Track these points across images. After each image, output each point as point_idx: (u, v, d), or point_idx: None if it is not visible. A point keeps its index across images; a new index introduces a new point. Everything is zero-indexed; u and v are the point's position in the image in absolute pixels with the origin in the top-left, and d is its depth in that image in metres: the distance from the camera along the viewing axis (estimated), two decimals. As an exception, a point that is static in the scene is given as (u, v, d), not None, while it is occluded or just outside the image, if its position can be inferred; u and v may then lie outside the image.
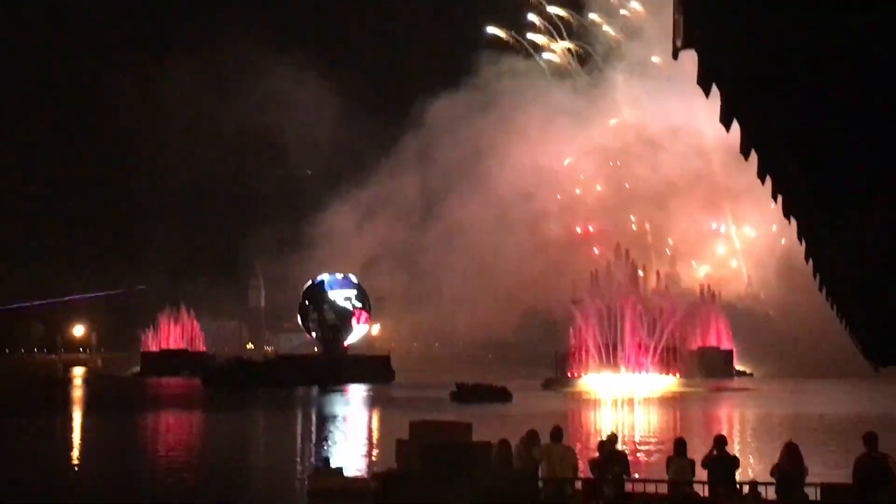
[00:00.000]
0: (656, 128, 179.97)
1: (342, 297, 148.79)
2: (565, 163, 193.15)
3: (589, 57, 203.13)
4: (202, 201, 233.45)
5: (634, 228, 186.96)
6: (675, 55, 5.18)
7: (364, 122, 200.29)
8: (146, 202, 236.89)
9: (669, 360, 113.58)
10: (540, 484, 18.46)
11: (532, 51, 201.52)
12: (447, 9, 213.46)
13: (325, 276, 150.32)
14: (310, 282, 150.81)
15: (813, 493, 17.92)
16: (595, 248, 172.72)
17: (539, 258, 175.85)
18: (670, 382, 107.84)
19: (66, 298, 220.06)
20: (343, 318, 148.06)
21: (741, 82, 5.17)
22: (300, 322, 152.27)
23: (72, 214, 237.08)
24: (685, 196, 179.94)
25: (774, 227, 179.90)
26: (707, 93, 5.29)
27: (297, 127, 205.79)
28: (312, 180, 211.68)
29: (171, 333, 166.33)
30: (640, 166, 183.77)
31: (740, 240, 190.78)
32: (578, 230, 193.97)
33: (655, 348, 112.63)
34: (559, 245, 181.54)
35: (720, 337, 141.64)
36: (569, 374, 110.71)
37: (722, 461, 18.30)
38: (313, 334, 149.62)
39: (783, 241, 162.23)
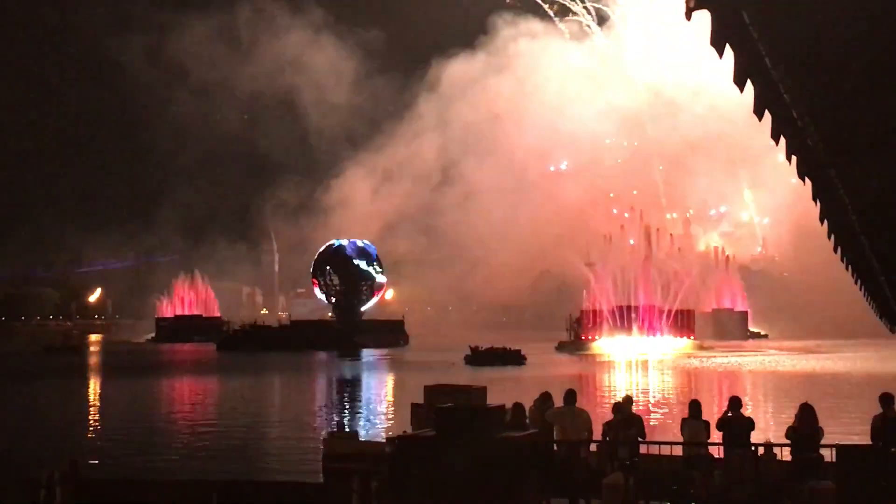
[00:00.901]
0: (675, 89, 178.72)
1: (364, 263, 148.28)
2: (583, 125, 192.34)
3: (608, 19, 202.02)
4: (218, 165, 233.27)
5: (654, 189, 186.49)
6: (687, 16, 5.12)
7: (381, 84, 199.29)
8: (163, 166, 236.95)
9: (684, 322, 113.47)
10: (555, 446, 18.48)
11: (552, 13, 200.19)
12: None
13: (344, 242, 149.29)
14: (329, 244, 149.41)
15: (828, 455, 17.88)
16: (614, 210, 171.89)
17: (555, 221, 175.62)
18: (685, 344, 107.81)
19: (82, 270, 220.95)
20: (367, 285, 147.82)
21: (753, 42, 5.10)
22: (317, 285, 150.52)
23: (88, 180, 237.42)
24: (704, 157, 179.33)
25: (787, 191, 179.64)
26: (720, 53, 5.23)
27: (314, 89, 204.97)
28: (328, 144, 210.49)
29: (186, 299, 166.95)
30: (659, 127, 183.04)
31: (756, 202, 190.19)
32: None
33: (669, 311, 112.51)
34: (576, 208, 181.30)
35: (734, 299, 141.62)
36: (583, 337, 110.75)
37: (737, 422, 18.25)
38: (332, 298, 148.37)
39: (797, 203, 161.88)
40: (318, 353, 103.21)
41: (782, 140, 6.19)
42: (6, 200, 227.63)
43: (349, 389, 62.87)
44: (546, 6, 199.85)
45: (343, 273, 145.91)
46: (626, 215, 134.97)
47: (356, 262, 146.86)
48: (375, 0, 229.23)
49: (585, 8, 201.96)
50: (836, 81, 5.42)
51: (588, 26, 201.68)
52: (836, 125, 5.84)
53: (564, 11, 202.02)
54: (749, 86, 5.30)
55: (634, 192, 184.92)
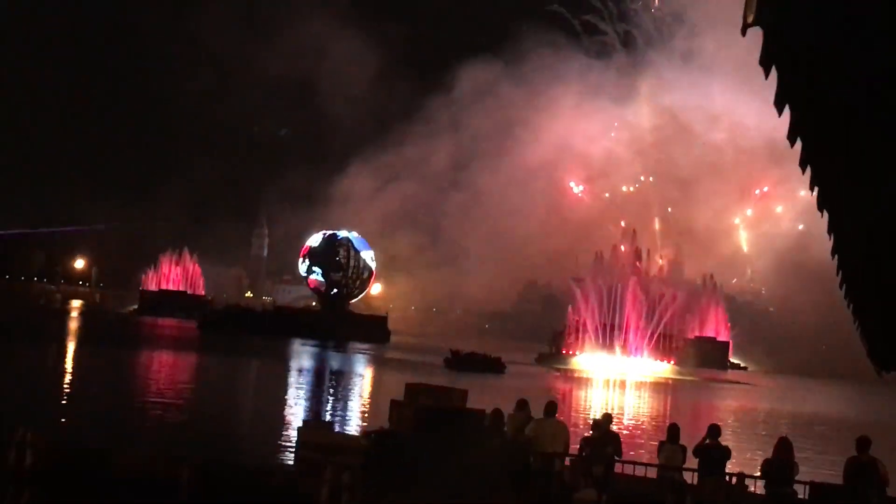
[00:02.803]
0: (693, 114, 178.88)
1: (368, 258, 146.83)
2: (594, 142, 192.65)
3: (632, 39, 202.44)
4: (227, 145, 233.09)
5: (651, 212, 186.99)
6: (743, 32, 5.09)
7: (397, 81, 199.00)
8: (168, 139, 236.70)
9: (665, 346, 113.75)
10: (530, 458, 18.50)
11: (579, 28, 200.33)
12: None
13: (347, 233, 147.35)
14: (331, 233, 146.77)
15: (802, 491, 17.90)
16: (621, 223, 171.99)
17: (555, 235, 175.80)
18: (664, 369, 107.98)
19: (70, 230, 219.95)
20: (363, 279, 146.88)
21: (802, 66, 5.07)
22: (312, 267, 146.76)
23: (87, 144, 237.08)
24: (709, 185, 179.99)
25: (782, 229, 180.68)
26: (767, 73, 5.20)
27: (331, 78, 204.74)
28: (338, 135, 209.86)
29: (172, 274, 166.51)
30: (671, 151, 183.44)
31: (749, 234, 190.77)
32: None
33: (653, 334, 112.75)
34: (579, 224, 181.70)
35: (718, 328, 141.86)
36: (564, 351, 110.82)
37: (714, 450, 18.28)
38: (333, 287, 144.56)
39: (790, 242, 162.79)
40: (299, 340, 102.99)
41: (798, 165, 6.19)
42: (13, 158, 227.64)
43: (327, 380, 62.77)
44: (575, 22, 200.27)
45: (347, 263, 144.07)
46: (623, 224, 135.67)
47: (362, 254, 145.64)
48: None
49: (615, 29, 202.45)
50: (876, 119, 5.40)
51: (612, 45, 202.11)
52: (866, 160, 5.82)
53: (592, 29, 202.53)
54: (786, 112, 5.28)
55: (624, 200, 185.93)
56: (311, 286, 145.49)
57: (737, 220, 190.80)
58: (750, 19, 4.89)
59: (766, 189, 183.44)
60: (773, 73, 5.02)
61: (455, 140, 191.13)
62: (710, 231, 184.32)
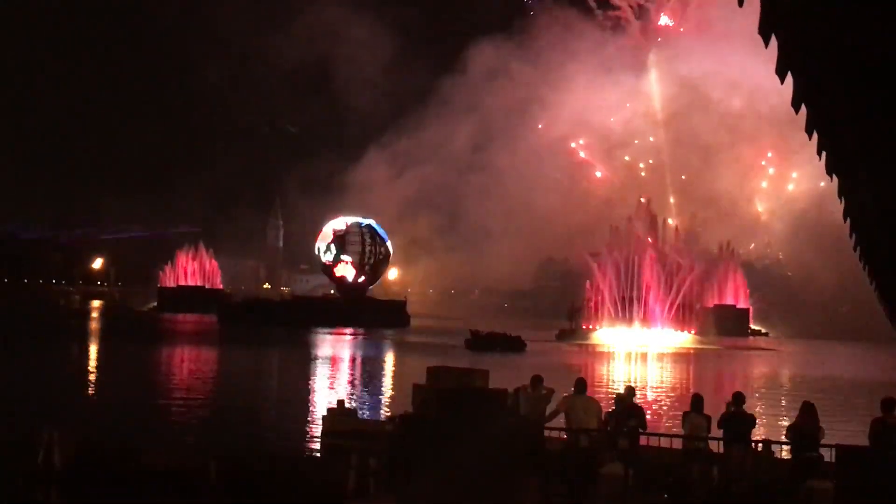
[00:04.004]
0: (710, 82, 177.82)
1: (390, 245, 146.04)
2: (611, 115, 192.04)
3: (646, 11, 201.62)
4: (239, 135, 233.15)
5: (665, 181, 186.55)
6: (740, 3, 5.09)
7: (412, 66, 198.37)
8: (183, 133, 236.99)
9: (685, 316, 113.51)
10: (564, 434, 18.59)
11: (594, 4, 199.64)
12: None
13: (368, 220, 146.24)
14: (352, 219, 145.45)
15: (828, 455, 17.89)
16: (640, 197, 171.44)
17: (573, 211, 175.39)
18: (685, 338, 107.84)
19: (89, 235, 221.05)
20: (384, 266, 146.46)
21: (801, 33, 5.07)
22: (341, 256, 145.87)
23: (102, 143, 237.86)
24: (727, 153, 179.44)
25: (791, 187, 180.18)
26: (766, 42, 5.20)
27: (346, 64, 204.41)
28: (357, 122, 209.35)
29: (190, 270, 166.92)
30: (689, 120, 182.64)
31: (766, 199, 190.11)
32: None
33: (672, 304, 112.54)
34: (594, 197, 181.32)
35: (737, 295, 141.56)
36: (583, 327, 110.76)
37: (739, 418, 18.28)
38: (361, 275, 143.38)
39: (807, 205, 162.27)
40: (319, 329, 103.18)
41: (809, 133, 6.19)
42: (31, 159, 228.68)
43: (348, 367, 62.96)
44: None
45: (374, 249, 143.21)
46: (643, 200, 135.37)
47: (388, 242, 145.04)
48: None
49: (629, 5, 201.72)
50: (877, 82, 5.38)
51: (627, 19, 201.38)
52: (872, 124, 5.80)
53: (606, 5, 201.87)
54: (789, 79, 5.29)
55: (643, 174, 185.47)
56: (336, 273, 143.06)
57: (762, 185, 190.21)
58: (745, -10, 4.89)
59: (770, 155, 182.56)
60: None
61: (472, 121, 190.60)
62: (727, 198, 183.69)
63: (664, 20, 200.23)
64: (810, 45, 5.12)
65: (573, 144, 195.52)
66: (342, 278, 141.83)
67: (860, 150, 5.97)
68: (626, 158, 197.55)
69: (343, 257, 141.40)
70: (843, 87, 5.35)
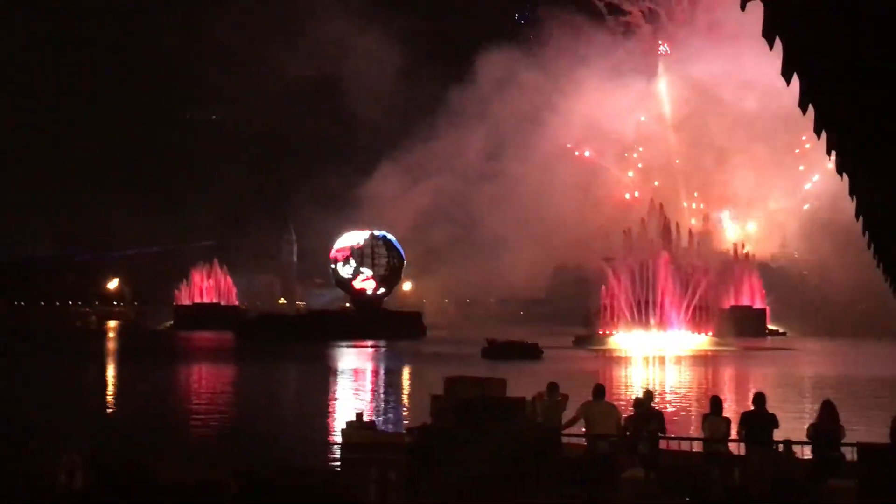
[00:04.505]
0: (722, 84, 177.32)
1: (402, 255, 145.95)
2: (623, 120, 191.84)
3: (656, 15, 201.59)
4: (250, 150, 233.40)
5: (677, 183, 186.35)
6: (742, 6, 5.11)
7: (421, 76, 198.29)
8: (192, 150, 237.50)
9: (701, 318, 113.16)
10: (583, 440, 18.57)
11: (605, 9, 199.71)
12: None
13: (379, 232, 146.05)
14: (369, 232, 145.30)
15: (849, 454, 17.82)
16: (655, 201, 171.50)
17: (586, 216, 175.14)
18: (702, 341, 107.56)
19: (104, 256, 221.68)
20: (400, 273, 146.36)
21: (805, 35, 5.08)
22: (360, 268, 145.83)
23: (111, 162, 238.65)
24: (742, 154, 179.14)
25: (808, 186, 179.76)
26: (771, 45, 5.21)
27: (354, 78, 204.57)
28: (367, 134, 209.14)
29: (205, 288, 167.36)
30: (702, 122, 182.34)
31: (780, 201, 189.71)
32: (627, 196, 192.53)
33: (688, 306, 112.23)
34: (607, 202, 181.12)
35: (753, 296, 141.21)
36: (599, 332, 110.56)
37: (760, 418, 18.22)
38: (380, 287, 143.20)
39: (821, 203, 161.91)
40: (335, 342, 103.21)
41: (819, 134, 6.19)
42: (43, 179, 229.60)
43: (366, 380, 62.96)
44: (600, 3, 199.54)
45: (388, 262, 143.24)
46: (652, 199, 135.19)
47: (402, 253, 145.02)
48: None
49: (640, 10, 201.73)
50: (880, 78, 5.39)
51: (637, 24, 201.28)
52: (877, 123, 5.81)
53: (616, 11, 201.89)
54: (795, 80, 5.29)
55: (656, 183, 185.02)
56: (355, 287, 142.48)
57: (776, 184, 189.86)
58: (747, -6, 4.91)
59: (797, 151, 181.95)
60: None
61: (484, 129, 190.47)
62: (742, 199, 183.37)
63: (674, 23, 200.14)
64: (814, 47, 5.13)
65: (587, 153, 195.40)
66: (362, 291, 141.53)
67: (867, 150, 5.96)
68: (640, 165, 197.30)
69: (363, 270, 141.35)
70: (848, 87, 5.36)
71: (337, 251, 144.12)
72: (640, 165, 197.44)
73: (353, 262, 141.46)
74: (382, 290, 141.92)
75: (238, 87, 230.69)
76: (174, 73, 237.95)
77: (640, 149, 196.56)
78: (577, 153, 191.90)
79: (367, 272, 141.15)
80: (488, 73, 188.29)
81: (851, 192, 6.95)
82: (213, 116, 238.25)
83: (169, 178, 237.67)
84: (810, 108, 5.60)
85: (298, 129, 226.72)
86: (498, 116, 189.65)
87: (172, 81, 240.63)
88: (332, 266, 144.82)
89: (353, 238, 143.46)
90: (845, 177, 6.63)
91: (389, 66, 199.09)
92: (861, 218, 7.67)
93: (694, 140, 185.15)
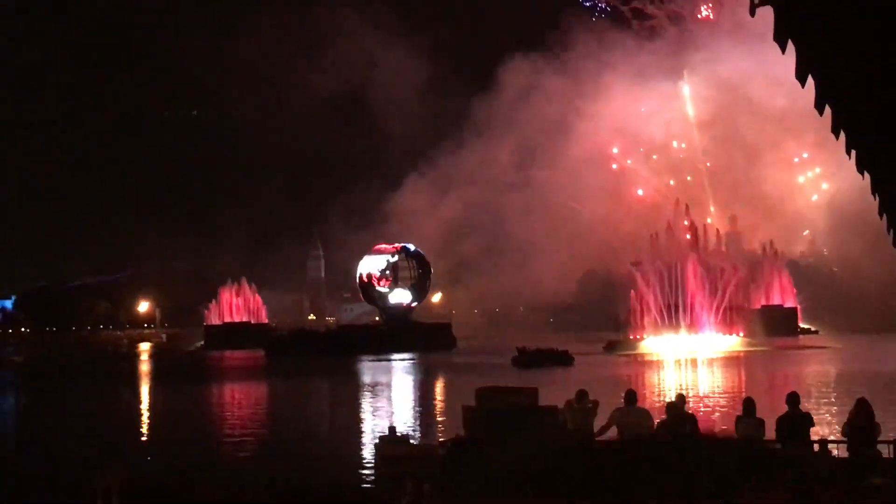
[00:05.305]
0: (749, 83, 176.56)
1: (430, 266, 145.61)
2: (651, 123, 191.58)
3: (681, 17, 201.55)
4: (278, 167, 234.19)
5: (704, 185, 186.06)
6: (752, 12, 5.14)
7: (447, 87, 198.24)
8: (221, 168, 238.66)
9: (732, 319, 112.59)
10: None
11: (629, 14, 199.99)
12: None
13: (408, 245, 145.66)
14: (401, 245, 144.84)
15: (886, 451, 17.70)
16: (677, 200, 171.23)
17: (615, 221, 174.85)
18: (734, 342, 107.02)
19: (131, 276, 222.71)
20: (428, 286, 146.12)
21: (816, 37, 5.09)
22: (396, 287, 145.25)
23: (138, 184, 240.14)
24: (771, 153, 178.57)
25: (825, 186, 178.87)
26: (783, 49, 5.23)
27: (381, 91, 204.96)
28: (395, 147, 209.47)
29: (234, 307, 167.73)
30: (730, 122, 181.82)
31: (808, 197, 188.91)
32: (653, 198, 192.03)
33: (718, 308, 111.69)
34: (638, 206, 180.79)
35: (784, 295, 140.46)
36: (630, 337, 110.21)
37: (795, 419, 18.12)
38: (411, 301, 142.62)
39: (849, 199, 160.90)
40: (366, 356, 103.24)
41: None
42: (70, 201, 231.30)
43: (398, 393, 63.01)
44: (624, 9, 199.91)
45: (419, 274, 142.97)
46: (679, 201, 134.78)
47: (430, 265, 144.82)
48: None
49: (666, 13, 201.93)
50: (892, 79, 5.38)
51: (662, 27, 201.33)
52: (891, 120, 5.80)
53: (642, 15, 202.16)
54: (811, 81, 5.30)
55: (688, 179, 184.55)
56: (391, 301, 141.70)
57: (805, 181, 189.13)
58: (756, 0, 4.93)
59: (810, 152, 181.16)
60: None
61: (511, 139, 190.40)
62: (770, 198, 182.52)
63: (698, 22, 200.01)
64: (826, 48, 5.13)
65: (615, 154, 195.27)
66: (398, 305, 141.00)
67: (886, 147, 5.95)
68: (668, 167, 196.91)
69: (399, 287, 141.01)
70: (863, 86, 5.35)
71: (368, 265, 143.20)
72: (667, 167, 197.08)
73: (388, 275, 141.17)
74: (415, 303, 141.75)
75: (266, 105, 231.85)
76: (204, 94, 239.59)
77: (670, 149, 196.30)
78: (605, 157, 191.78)
79: (402, 286, 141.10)
80: (514, 81, 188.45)
81: (874, 191, 6.94)
82: (241, 134, 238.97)
83: (198, 196, 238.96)
84: (826, 109, 5.62)
85: (326, 144, 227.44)
86: (524, 125, 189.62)
87: (202, 101, 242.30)
88: (366, 284, 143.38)
89: (383, 252, 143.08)
90: (866, 175, 6.63)
91: (415, 79, 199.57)
92: (884, 216, 7.65)
93: (721, 139, 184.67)
